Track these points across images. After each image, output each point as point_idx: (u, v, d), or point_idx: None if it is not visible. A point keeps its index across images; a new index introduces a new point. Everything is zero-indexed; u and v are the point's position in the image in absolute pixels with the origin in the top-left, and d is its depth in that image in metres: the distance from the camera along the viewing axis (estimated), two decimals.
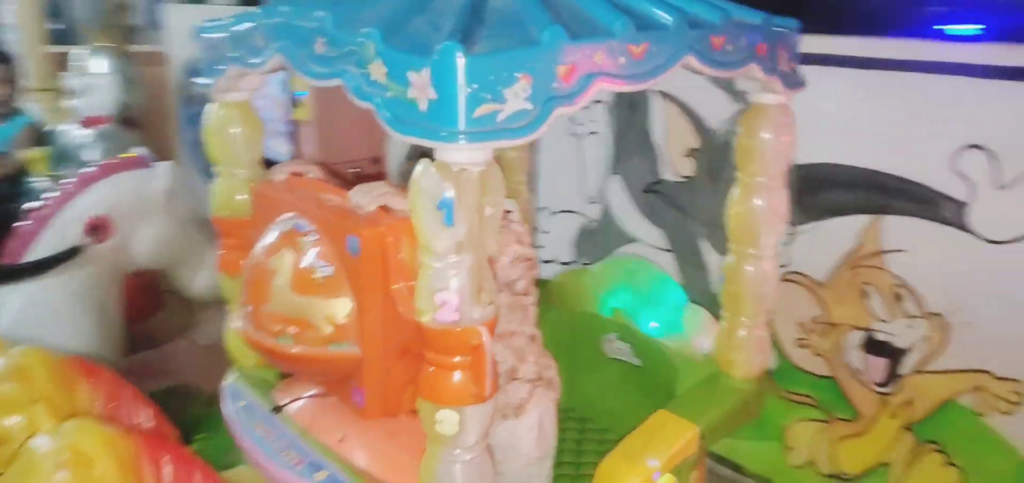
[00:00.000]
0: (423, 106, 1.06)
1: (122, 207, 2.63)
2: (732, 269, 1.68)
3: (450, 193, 1.07)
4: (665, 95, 2.29)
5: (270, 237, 1.41)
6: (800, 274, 1.97)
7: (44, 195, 2.68)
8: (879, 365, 1.97)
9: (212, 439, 1.71)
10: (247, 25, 1.41)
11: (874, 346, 1.95)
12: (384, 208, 1.34)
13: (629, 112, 2.26)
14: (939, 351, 2.03)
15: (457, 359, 1.15)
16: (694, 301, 1.98)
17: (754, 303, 1.69)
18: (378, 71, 1.12)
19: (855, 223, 1.87)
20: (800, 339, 2.03)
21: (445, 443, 1.18)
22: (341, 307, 1.31)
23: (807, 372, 2.04)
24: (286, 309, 1.33)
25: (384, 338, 1.29)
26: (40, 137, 3.79)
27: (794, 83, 1.51)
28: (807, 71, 1.78)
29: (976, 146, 1.93)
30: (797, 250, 1.96)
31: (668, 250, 2.31)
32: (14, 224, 2.63)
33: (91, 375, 1.37)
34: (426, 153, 1.62)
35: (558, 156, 2.40)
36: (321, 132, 2.83)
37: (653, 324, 2.01)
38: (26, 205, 2.72)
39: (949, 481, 2.15)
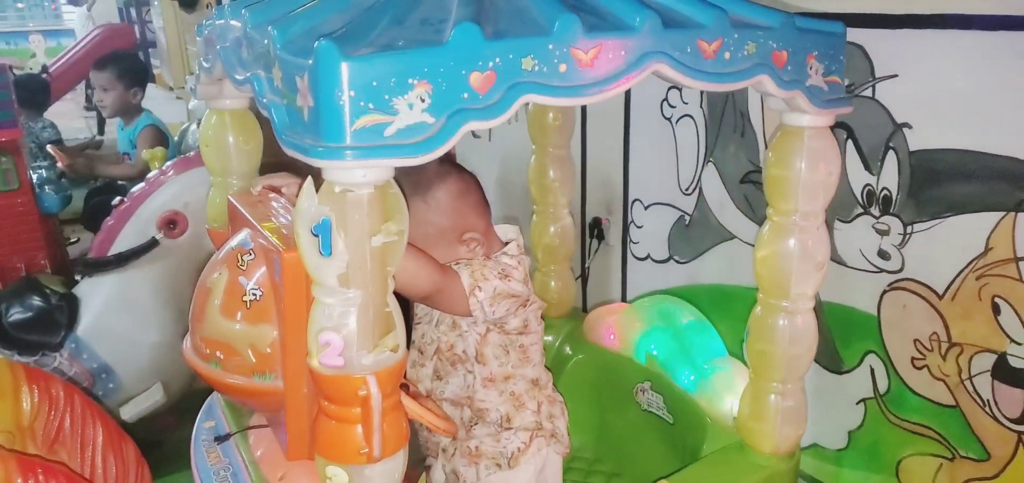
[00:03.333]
0: (306, 116, 0.92)
1: (195, 202, 2.68)
2: (759, 322, 1.40)
3: (327, 217, 0.91)
4: None
5: (218, 254, 1.31)
6: (915, 282, 1.61)
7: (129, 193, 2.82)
8: (1015, 397, 1.54)
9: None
10: (208, 27, 1.33)
11: (1008, 373, 1.54)
12: None
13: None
14: None
15: (351, 411, 0.99)
16: (733, 354, 1.70)
17: (786, 365, 1.40)
18: (277, 75, 0.99)
19: (983, 222, 1.47)
20: (916, 359, 1.66)
21: None
22: (265, 335, 1.19)
23: (925, 398, 1.65)
24: (215, 333, 1.23)
25: (308, 373, 1.15)
26: (161, 137, 3.98)
27: (831, 101, 1.22)
28: (923, 36, 1.47)
29: None
30: (912, 253, 1.59)
31: None
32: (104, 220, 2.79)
33: (37, 384, 1.34)
34: None
35: (649, 143, 2.13)
36: None
37: (690, 377, 1.75)
38: (113, 202, 2.87)
39: None
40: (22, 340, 2.52)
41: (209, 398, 1.61)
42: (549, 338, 2.01)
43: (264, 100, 1.01)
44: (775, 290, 1.36)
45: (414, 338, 1.46)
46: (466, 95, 0.91)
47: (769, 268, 1.35)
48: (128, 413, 2.56)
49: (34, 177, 3.36)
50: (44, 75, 4.91)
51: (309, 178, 0.94)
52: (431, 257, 1.26)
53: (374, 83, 0.87)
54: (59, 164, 3.67)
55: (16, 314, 2.58)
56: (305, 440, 1.19)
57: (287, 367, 1.17)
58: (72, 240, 3.72)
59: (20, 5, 12.80)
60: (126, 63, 3.92)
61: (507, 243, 1.44)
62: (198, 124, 4.25)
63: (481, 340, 1.38)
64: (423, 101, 0.89)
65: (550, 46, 0.95)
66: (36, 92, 4.51)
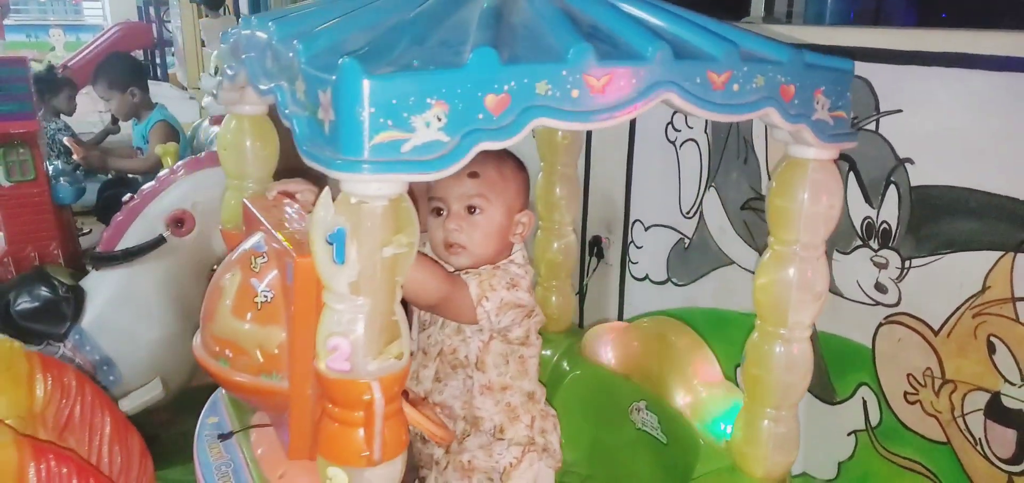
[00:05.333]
0: (327, 129, 0.95)
1: (204, 203, 2.72)
2: (756, 349, 1.43)
3: (342, 227, 0.94)
4: None
5: (232, 255, 1.34)
6: (911, 316, 1.63)
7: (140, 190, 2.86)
8: (1006, 437, 1.55)
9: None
10: (234, 36, 1.36)
11: (1000, 413, 1.56)
12: None
13: None
14: None
15: (355, 414, 1.02)
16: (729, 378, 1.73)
17: (781, 392, 1.42)
18: (301, 88, 1.02)
19: (981, 260, 1.49)
20: (909, 394, 1.68)
21: None
22: (273, 336, 1.22)
23: (917, 434, 1.68)
24: (225, 332, 1.26)
25: (313, 375, 1.18)
26: (173, 132, 4.02)
27: (836, 136, 1.25)
28: (929, 74, 1.50)
29: None
30: (909, 287, 1.62)
31: None
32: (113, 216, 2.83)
33: (51, 372, 1.37)
34: None
35: (652, 165, 2.17)
36: None
37: (685, 398, 1.77)
38: (124, 198, 2.91)
39: None
40: (28, 329, 2.56)
41: (213, 395, 1.64)
42: (548, 352, 2.03)
43: (287, 111, 1.04)
44: (773, 317, 1.39)
45: (420, 340, 1.49)
46: (481, 116, 0.95)
47: (768, 296, 1.38)
48: (126, 406, 2.59)
49: (50, 169, 3.41)
50: (64, 73, 4.97)
51: (326, 188, 0.98)
52: (440, 266, 1.29)
53: (394, 101, 0.90)
54: (74, 156, 3.71)
55: (23, 303, 2.62)
56: (307, 441, 1.21)
57: (293, 369, 1.20)
58: (84, 231, 3.77)
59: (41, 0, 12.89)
60: (113, 69, 3.96)
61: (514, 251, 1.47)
62: (209, 121, 4.31)
63: (483, 347, 1.41)
64: (440, 120, 0.93)
65: (564, 72, 0.98)
66: (58, 91, 4.56)
